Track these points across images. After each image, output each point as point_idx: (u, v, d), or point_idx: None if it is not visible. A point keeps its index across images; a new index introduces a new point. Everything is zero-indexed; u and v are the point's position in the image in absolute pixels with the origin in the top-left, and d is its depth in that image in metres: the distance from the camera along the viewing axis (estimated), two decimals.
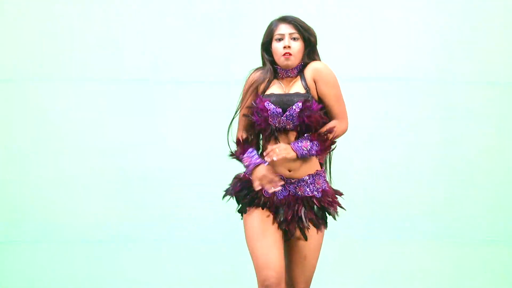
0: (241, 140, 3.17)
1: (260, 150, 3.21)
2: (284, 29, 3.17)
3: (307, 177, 3.16)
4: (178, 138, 5.44)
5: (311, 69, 3.19)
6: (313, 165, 3.18)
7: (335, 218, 3.23)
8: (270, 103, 3.09)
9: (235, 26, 5.58)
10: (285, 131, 3.11)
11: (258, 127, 3.14)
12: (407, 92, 5.45)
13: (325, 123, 3.13)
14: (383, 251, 5.45)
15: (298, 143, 3.06)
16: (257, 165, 3.07)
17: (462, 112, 5.38)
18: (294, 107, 3.10)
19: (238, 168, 3.27)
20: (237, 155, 3.17)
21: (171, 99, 5.53)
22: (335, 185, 3.32)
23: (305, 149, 3.08)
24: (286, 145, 3.06)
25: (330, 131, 3.11)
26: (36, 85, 5.47)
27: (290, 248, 3.21)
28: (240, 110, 3.23)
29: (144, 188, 5.25)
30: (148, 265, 5.43)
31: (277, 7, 5.77)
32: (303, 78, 3.21)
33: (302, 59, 3.19)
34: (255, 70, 3.27)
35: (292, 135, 3.11)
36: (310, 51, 3.22)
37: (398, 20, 5.73)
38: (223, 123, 3.43)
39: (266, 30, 3.23)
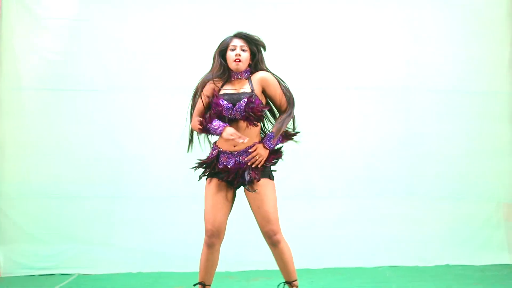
0: (203, 118, 4.40)
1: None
2: (236, 42, 4.40)
3: (247, 148, 4.36)
4: None
5: (258, 77, 4.42)
6: (252, 140, 4.37)
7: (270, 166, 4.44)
8: (223, 100, 4.31)
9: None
10: (235, 120, 4.32)
11: (211, 116, 4.34)
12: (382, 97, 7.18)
13: (263, 112, 4.36)
14: (368, 208, 7.02)
15: (267, 142, 4.39)
16: (225, 126, 4.30)
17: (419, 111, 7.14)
18: (241, 102, 4.28)
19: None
20: (206, 126, 4.34)
21: None
22: None
23: (273, 144, 4.39)
24: (264, 151, 4.36)
25: (281, 124, 4.35)
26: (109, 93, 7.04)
27: (250, 201, 4.42)
28: (194, 102, 4.51)
29: None
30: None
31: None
32: (250, 81, 4.39)
33: (249, 65, 4.41)
34: (205, 75, 4.50)
35: (242, 123, 4.32)
36: (257, 61, 4.44)
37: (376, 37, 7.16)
38: None
39: (223, 42, 4.47)
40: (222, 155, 4.38)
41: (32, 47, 6.94)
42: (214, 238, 4.40)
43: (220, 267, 6.74)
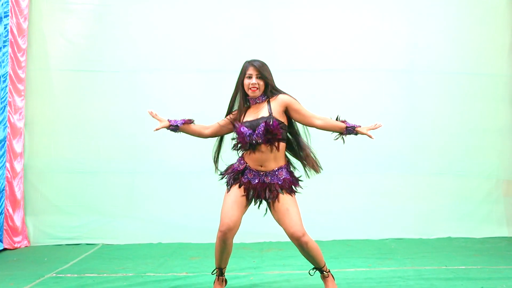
0: (192, 122, 4.84)
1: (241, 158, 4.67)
2: (252, 70, 4.56)
3: (273, 171, 4.55)
4: None
5: (280, 100, 4.57)
6: (279, 162, 4.57)
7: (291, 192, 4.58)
8: (244, 128, 4.49)
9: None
10: (258, 144, 4.49)
11: (238, 144, 4.57)
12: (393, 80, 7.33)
13: (282, 131, 4.48)
14: (374, 183, 7.23)
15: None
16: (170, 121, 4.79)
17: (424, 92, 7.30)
18: (260, 126, 4.45)
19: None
20: (188, 120, 4.85)
21: None
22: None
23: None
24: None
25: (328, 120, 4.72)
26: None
27: (274, 213, 4.54)
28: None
29: None
30: None
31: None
32: (269, 105, 4.55)
33: (265, 91, 4.55)
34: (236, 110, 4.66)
35: (264, 147, 4.49)
36: (271, 87, 4.57)
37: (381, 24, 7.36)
38: None
39: (242, 69, 4.60)
40: (249, 172, 4.58)
41: (59, 30, 7.19)
42: (228, 232, 4.52)
43: (235, 239, 6.97)
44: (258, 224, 7.07)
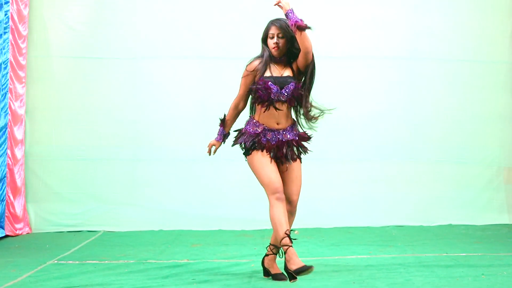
0: (225, 119, 4.79)
1: (253, 113, 4.68)
2: (274, 30, 4.55)
3: (288, 127, 4.62)
4: None
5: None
6: (290, 119, 4.65)
7: (305, 153, 4.71)
8: (271, 83, 4.49)
9: None
10: (279, 101, 4.52)
11: (259, 100, 4.54)
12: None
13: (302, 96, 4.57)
14: (376, 171, 7.21)
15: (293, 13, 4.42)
16: (221, 136, 4.80)
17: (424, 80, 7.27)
18: (289, 85, 4.53)
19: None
20: (224, 118, 4.79)
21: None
22: None
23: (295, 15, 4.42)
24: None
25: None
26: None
27: (285, 174, 4.60)
28: (242, 85, 4.67)
29: None
30: None
31: None
32: (291, 67, 4.60)
33: (287, 49, 4.54)
34: (254, 59, 4.63)
35: (282, 104, 4.54)
36: (291, 44, 4.52)
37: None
38: None
39: (265, 29, 4.59)
40: (268, 132, 4.57)
41: (60, 17, 7.13)
42: (282, 194, 4.48)
43: (236, 226, 7.05)
44: (259, 211, 7.11)
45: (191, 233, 6.85)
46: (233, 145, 4.79)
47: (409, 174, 7.27)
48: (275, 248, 4.73)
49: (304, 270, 4.21)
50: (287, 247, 4.31)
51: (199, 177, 7.20)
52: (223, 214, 7.15)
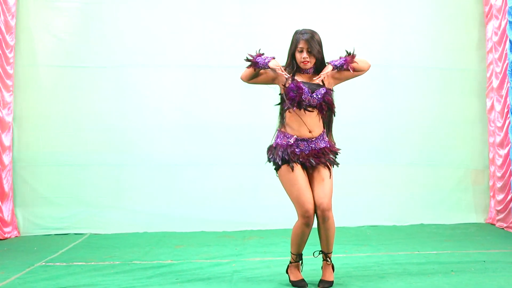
0: (253, 56, 4.46)
1: (282, 124, 4.53)
2: (303, 44, 4.45)
3: (320, 135, 4.50)
4: None
5: (330, 72, 4.49)
6: (321, 127, 4.52)
7: (336, 165, 4.58)
8: (302, 84, 4.40)
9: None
10: (309, 106, 4.44)
11: (291, 101, 4.40)
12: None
13: (334, 108, 4.51)
14: (352, 174, 7.19)
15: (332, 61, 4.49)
16: (272, 58, 4.42)
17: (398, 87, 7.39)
18: (320, 90, 4.43)
19: None
20: (254, 59, 4.43)
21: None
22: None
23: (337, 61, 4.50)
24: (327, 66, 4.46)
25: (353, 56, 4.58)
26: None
27: (313, 178, 4.46)
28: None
29: None
30: None
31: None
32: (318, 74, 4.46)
33: (315, 62, 4.47)
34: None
35: (312, 111, 4.44)
36: (322, 59, 4.48)
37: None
38: None
39: (292, 40, 4.51)
40: (300, 142, 4.45)
41: (46, 27, 7.15)
42: (311, 217, 4.37)
43: (218, 228, 7.09)
44: (240, 213, 7.19)
45: (175, 235, 6.88)
46: (268, 161, 4.60)
47: (383, 176, 7.35)
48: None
49: (301, 286, 4.56)
50: (292, 263, 4.61)
51: (182, 181, 7.22)
52: (205, 216, 7.20)
